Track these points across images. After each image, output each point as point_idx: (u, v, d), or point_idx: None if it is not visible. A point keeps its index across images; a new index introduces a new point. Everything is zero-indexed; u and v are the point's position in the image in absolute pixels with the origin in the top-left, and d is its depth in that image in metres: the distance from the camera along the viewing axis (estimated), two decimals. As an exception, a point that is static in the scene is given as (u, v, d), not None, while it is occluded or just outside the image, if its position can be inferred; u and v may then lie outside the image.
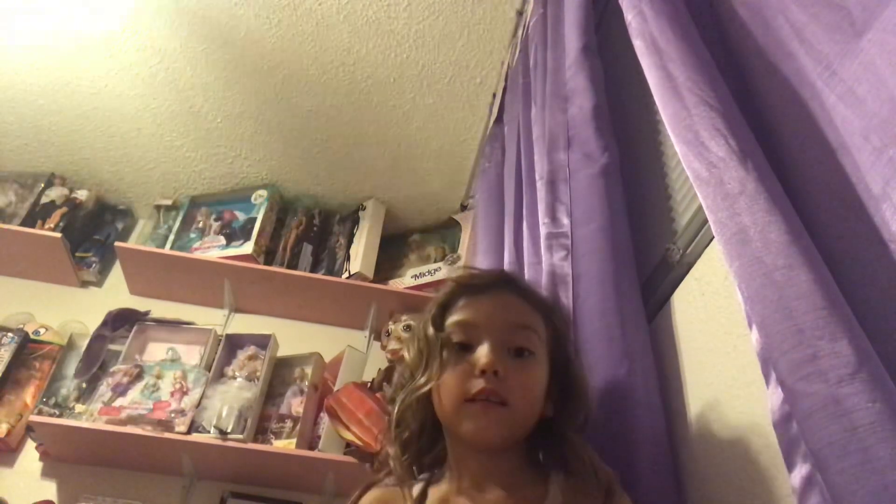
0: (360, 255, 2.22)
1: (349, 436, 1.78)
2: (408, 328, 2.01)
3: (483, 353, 0.73)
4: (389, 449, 0.79)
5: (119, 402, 1.82)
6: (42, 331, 2.03)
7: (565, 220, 1.02)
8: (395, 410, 0.79)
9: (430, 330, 0.77)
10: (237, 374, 1.92)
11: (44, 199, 2.23)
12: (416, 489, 0.76)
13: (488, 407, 0.72)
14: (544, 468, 0.78)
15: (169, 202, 2.38)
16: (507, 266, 1.30)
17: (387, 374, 1.93)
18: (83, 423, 1.75)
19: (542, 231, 1.06)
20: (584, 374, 0.81)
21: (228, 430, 1.76)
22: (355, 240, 2.30)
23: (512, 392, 0.72)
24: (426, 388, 0.75)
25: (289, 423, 1.86)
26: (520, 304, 0.79)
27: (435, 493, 0.76)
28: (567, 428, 0.77)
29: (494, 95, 2.00)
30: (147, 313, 2.08)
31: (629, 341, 0.87)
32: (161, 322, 2.07)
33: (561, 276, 0.98)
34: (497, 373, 0.72)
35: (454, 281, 0.81)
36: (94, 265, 2.23)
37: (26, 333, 1.99)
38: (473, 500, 0.73)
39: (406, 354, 0.82)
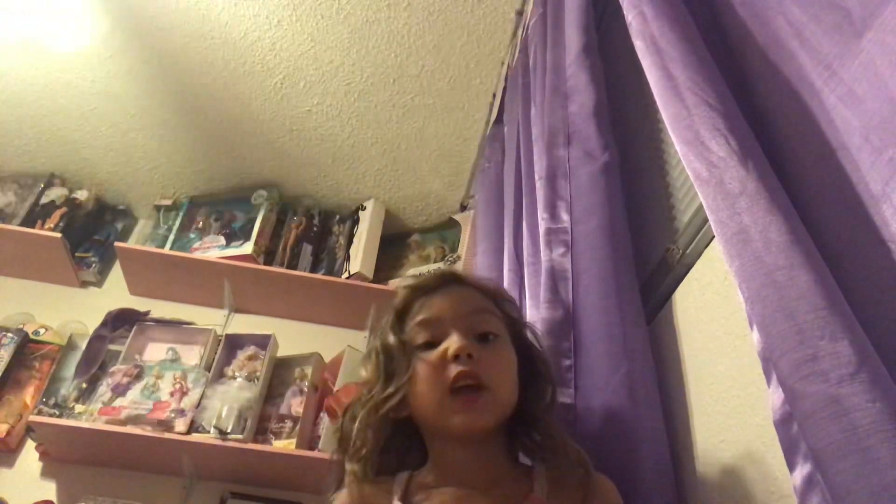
0: (360, 255, 2.22)
1: (349, 436, 1.77)
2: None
3: (453, 339, 0.74)
4: (347, 465, 0.77)
5: (119, 402, 1.82)
6: (42, 331, 2.03)
7: (565, 217, 1.02)
8: (355, 427, 0.76)
9: (391, 338, 0.78)
10: (237, 374, 1.92)
11: (43, 200, 2.23)
12: (399, 490, 0.74)
13: (471, 398, 0.72)
14: (525, 463, 0.79)
15: (169, 202, 2.38)
16: (506, 266, 1.30)
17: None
18: (83, 424, 1.75)
19: (541, 227, 1.06)
20: (545, 354, 0.83)
21: (228, 431, 1.76)
22: (355, 240, 2.30)
23: (488, 374, 0.73)
24: (400, 395, 0.75)
25: (289, 424, 1.86)
26: (473, 293, 0.81)
27: (420, 493, 0.75)
28: (537, 408, 0.78)
29: (494, 95, 2.00)
30: (147, 313, 2.08)
31: (629, 340, 0.87)
32: (161, 322, 2.07)
33: (560, 272, 0.98)
34: (471, 356, 0.72)
35: (405, 288, 0.82)
36: (93, 265, 2.23)
37: (26, 333, 1.99)
38: (461, 498, 0.73)
39: (363, 373, 0.81)
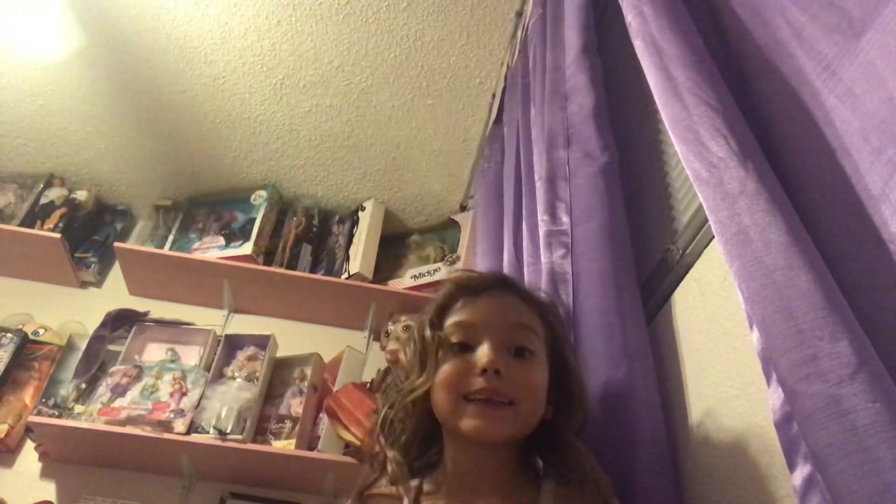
0: (360, 255, 2.22)
1: (348, 436, 1.77)
2: (407, 329, 2.01)
3: (483, 352, 0.73)
4: (388, 452, 0.78)
5: (118, 402, 1.82)
6: (41, 331, 2.03)
7: (565, 218, 1.02)
8: (390, 411, 0.78)
9: (428, 331, 0.77)
10: (236, 374, 1.92)
11: (43, 200, 2.23)
12: (411, 494, 0.75)
13: (489, 407, 0.71)
14: (535, 473, 0.78)
15: (168, 202, 2.38)
16: (506, 267, 1.30)
17: (386, 375, 1.93)
18: (82, 424, 1.75)
19: (542, 229, 1.06)
20: (582, 376, 0.81)
21: (228, 431, 1.76)
22: (355, 240, 2.30)
23: (516, 391, 0.72)
24: (423, 389, 0.75)
25: (288, 424, 1.86)
26: (518, 304, 0.79)
27: (427, 495, 0.75)
28: (566, 430, 0.77)
29: (494, 96, 2.01)
30: (146, 314, 2.08)
31: (629, 341, 0.87)
32: (160, 322, 2.07)
33: (560, 275, 0.98)
34: (498, 372, 0.71)
35: (452, 282, 0.81)
36: (93, 266, 2.23)
37: (25, 334, 1.99)
38: (465, 502, 0.73)
39: (403, 356, 0.82)
